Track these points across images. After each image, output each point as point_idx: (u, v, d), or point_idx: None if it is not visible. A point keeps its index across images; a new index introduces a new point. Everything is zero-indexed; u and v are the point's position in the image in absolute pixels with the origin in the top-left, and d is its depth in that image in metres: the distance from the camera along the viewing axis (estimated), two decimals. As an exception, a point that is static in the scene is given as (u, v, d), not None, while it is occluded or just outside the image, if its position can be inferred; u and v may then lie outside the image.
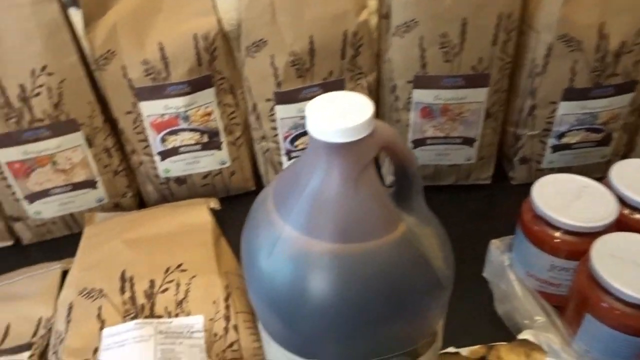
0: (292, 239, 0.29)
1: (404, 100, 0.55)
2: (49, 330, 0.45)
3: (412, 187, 0.32)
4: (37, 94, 0.47)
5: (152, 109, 0.53)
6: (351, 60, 0.53)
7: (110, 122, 0.54)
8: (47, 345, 0.44)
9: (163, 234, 0.50)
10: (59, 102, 0.48)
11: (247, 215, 0.67)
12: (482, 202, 0.60)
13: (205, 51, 0.51)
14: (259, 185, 0.62)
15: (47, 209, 0.54)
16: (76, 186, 0.54)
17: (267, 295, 0.30)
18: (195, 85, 0.52)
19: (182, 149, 0.56)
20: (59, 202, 0.54)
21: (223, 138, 0.57)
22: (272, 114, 0.55)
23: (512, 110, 0.57)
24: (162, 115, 0.53)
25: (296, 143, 0.57)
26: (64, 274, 0.51)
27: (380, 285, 0.29)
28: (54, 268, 0.52)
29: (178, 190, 0.59)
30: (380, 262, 0.29)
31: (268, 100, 0.54)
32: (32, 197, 0.53)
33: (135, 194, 0.58)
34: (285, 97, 0.53)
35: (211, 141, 0.56)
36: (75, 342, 0.40)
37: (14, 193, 0.52)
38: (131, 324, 0.41)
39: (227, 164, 0.58)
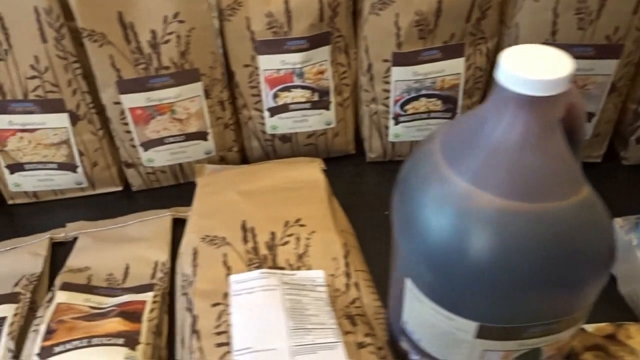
0: (466, 193, 0.28)
1: (526, 69, 0.52)
2: (166, 274, 0.47)
3: (577, 157, 0.31)
4: (167, 41, 0.48)
5: (269, 64, 0.52)
6: (475, 24, 0.51)
7: (227, 74, 0.54)
8: (166, 288, 0.45)
9: (277, 188, 0.50)
10: (185, 51, 0.49)
11: (346, 177, 0.65)
12: (592, 181, 0.58)
13: (328, 6, 0.50)
14: (360, 148, 0.61)
15: (159, 158, 0.55)
16: (189, 136, 0.54)
17: (431, 247, 0.29)
18: (313, 42, 0.52)
19: (292, 106, 0.55)
20: (171, 151, 0.55)
21: (332, 98, 0.56)
22: (387, 76, 0.53)
23: (638, 86, 0.54)
24: (279, 70, 0.53)
25: (406, 107, 0.56)
26: (174, 221, 0.52)
27: (553, 250, 0.28)
28: (165, 215, 0.53)
29: (281, 148, 0.59)
30: (559, 225, 0.28)
31: (385, 60, 0.52)
32: (148, 145, 0.54)
33: (240, 149, 0.59)
34: (404, 59, 0.52)
35: (321, 100, 0.56)
36: (205, 285, 0.41)
37: (132, 139, 0.53)
38: (256, 272, 0.41)
39: (333, 125, 0.58)
